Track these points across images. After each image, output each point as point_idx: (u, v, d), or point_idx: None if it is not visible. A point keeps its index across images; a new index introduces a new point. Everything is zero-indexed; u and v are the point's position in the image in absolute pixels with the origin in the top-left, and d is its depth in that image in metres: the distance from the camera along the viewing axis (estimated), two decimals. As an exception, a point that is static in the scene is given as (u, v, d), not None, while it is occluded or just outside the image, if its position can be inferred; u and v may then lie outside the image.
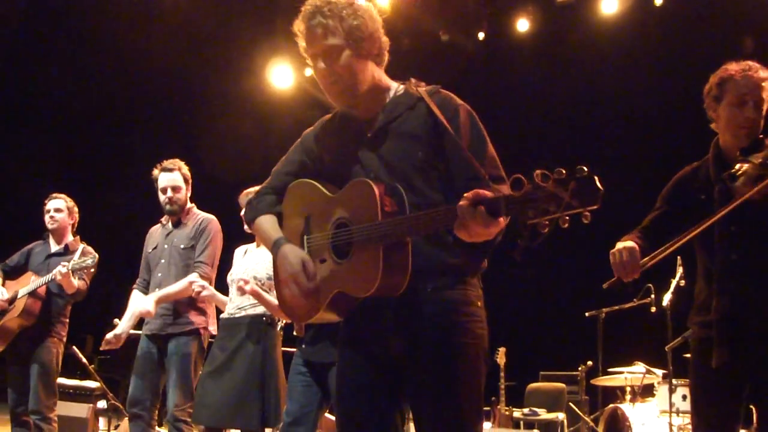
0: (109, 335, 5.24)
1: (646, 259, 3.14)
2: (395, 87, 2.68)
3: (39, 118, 11.02)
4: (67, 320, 5.95)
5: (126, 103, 10.91)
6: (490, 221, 2.15)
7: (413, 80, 2.68)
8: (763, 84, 3.22)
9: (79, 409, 7.19)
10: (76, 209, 6.13)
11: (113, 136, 11.16)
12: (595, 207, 1.97)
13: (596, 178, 1.97)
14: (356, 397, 2.60)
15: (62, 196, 6.10)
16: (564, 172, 1.99)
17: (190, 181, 5.48)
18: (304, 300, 2.54)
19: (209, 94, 10.80)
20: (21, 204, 6.87)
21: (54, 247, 6.05)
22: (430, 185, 2.51)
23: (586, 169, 1.97)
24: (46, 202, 6.07)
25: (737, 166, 3.07)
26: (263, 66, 10.90)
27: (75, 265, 5.48)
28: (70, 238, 6.07)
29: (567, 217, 2.00)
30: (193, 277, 5.08)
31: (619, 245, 3.19)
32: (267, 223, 2.74)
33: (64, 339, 5.92)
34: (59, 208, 6.03)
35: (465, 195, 2.18)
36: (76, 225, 6.15)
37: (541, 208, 2.01)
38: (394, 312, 2.49)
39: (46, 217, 6.03)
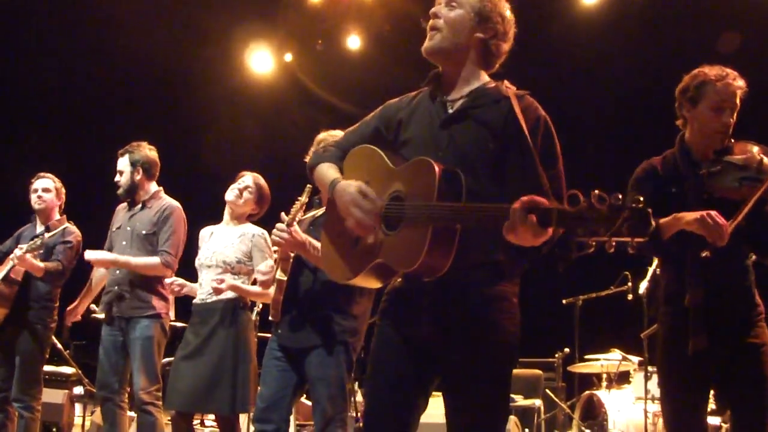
0: (69, 308, 5.26)
1: (729, 221, 3.18)
2: (487, 81, 2.74)
3: (28, 111, 10.93)
4: (55, 305, 5.75)
5: (99, 87, 10.80)
6: (538, 230, 2.19)
7: (506, 81, 2.74)
8: (739, 92, 3.38)
9: (54, 395, 7.14)
10: (63, 190, 5.98)
11: (95, 124, 11.06)
12: (643, 240, 2.03)
13: (650, 211, 2.02)
14: (384, 378, 2.66)
15: (49, 175, 5.92)
16: (620, 198, 2.03)
17: (145, 164, 5.42)
18: (368, 224, 2.54)
19: (191, 81, 10.71)
20: (12, 190, 6.79)
21: (39, 228, 5.88)
22: (492, 179, 2.54)
23: (642, 199, 2.02)
24: (32, 181, 5.90)
25: (717, 167, 3.30)
26: (242, 51, 10.83)
27: (29, 246, 5.36)
28: (56, 218, 5.92)
29: (614, 243, 2.06)
30: (158, 259, 5.13)
31: (695, 214, 3.17)
32: (328, 168, 2.80)
33: (52, 325, 5.74)
34: (47, 188, 5.86)
35: (521, 199, 2.21)
36: (62, 206, 6.00)
37: (591, 229, 2.07)
38: (432, 297, 2.54)
39: (33, 197, 5.84)
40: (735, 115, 3.40)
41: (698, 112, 3.42)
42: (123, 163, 5.42)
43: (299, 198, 3.87)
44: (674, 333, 3.41)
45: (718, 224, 3.11)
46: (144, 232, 5.28)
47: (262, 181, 4.88)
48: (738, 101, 3.39)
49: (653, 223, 2.02)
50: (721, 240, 3.12)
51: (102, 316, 5.36)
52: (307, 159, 3.42)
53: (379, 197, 2.58)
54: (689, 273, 3.34)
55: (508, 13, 2.74)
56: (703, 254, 3.25)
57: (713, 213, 3.12)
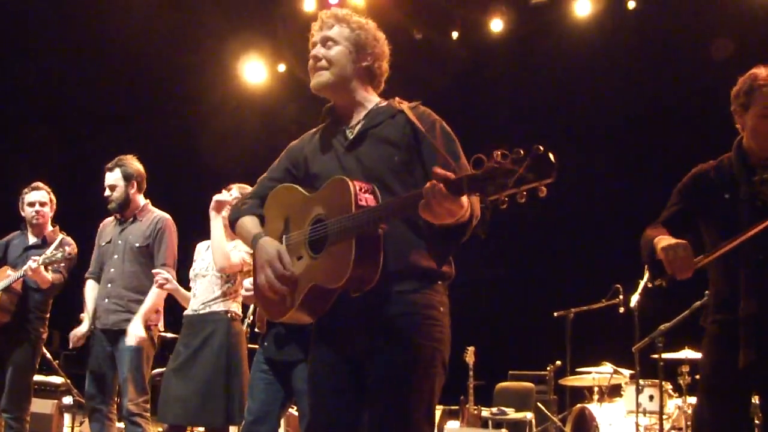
0: (77, 333, 5.22)
1: (700, 257, 3.10)
2: (378, 101, 2.88)
3: (21, 118, 10.91)
4: (47, 315, 5.74)
5: (100, 97, 10.80)
6: (452, 199, 2.25)
7: (397, 98, 2.86)
8: None
9: (43, 405, 7.09)
10: (54, 200, 5.93)
11: (90, 130, 11.05)
12: (549, 180, 2.06)
13: (551, 153, 2.06)
14: (324, 394, 2.72)
15: (43, 186, 5.87)
16: (522, 151, 2.08)
17: (137, 178, 5.41)
18: (278, 288, 2.62)
19: (185, 89, 10.72)
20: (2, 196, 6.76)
21: (32, 239, 5.83)
22: (405, 188, 2.63)
23: (542, 147, 2.06)
24: (26, 191, 5.82)
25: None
26: (236, 61, 10.85)
27: (46, 258, 5.33)
28: (49, 228, 5.88)
29: (524, 192, 2.09)
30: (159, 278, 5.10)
31: (670, 241, 3.12)
32: (248, 222, 2.88)
33: (44, 335, 5.73)
34: (44, 202, 5.81)
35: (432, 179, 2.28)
36: (53, 216, 5.96)
37: (500, 183, 2.10)
38: (358, 310, 2.58)
39: (30, 211, 5.78)
40: None
41: (749, 117, 3.26)
42: (114, 178, 5.37)
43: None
44: (723, 343, 3.25)
45: (680, 259, 3.03)
46: (137, 245, 5.29)
47: (247, 188, 4.88)
48: None
49: (555, 161, 2.04)
50: (681, 275, 3.04)
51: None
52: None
53: (300, 230, 2.69)
54: (744, 282, 3.17)
55: (379, 34, 2.91)
56: (655, 283, 3.18)
57: (680, 245, 3.05)
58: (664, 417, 6.23)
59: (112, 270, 5.29)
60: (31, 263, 5.32)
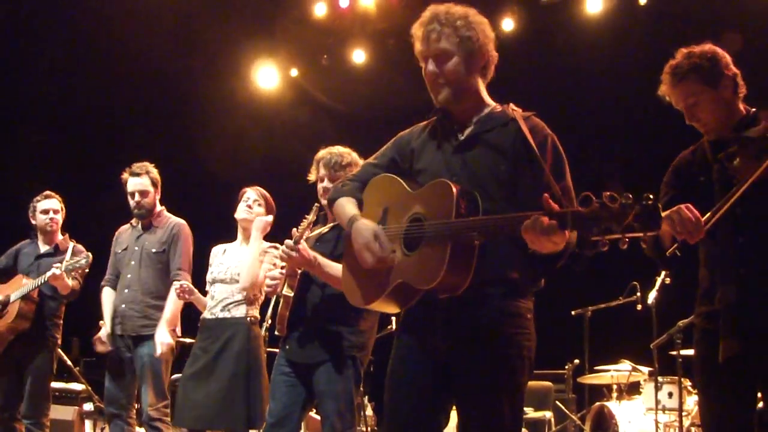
0: (102, 336, 5.24)
1: (708, 215, 2.89)
2: (493, 105, 2.87)
3: (28, 118, 10.96)
4: (61, 322, 5.83)
5: (110, 103, 10.85)
6: (555, 232, 2.28)
7: (512, 104, 2.85)
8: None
9: (64, 412, 7.16)
10: (64, 208, 6.01)
11: (100, 137, 11.10)
12: (654, 233, 2.12)
13: (660, 206, 2.12)
14: (403, 391, 2.75)
15: (54, 195, 5.95)
16: (631, 197, 2.12)
17: (159, 185, 5.49)
18: (375, 267, 2.67)
19: (196, 95, 10.76)
20: (7, 204, 6.81)
21: (43, 248, 5.90)
22: (507, 198, 2.65)
23: (651, 197, 2.11)
24: (38, 199, 5.89)
25: (734, 146, 2.97)
26: (248, 67, 10.88)
27: (69, 265, 5.39)
28: (59, 237, 5.95)
29: (627, 239, 2.14)
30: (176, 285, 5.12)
31: (672, 209, 2.89)
32: (346, 203, 2.93)
33: (59, 341, 5.81)
34: (57, 209, 5.89)
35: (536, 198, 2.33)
36: (62, 223, 6.03)
37: (605, 227, 2.15)
38: (446, 312, 2.64)
39: (44, 218, 5.83)
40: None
41: None
42: (144, 183, 5.43)
43: (307, 216, 3.89)
44: (706, 336, 3.10)
45: (683, 219, 2.81)
46: (154, 250, 5.36)
47: (264, 191, 4.92)
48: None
49: (662, 215, 2.08)
50: (692, 237, 2.83)
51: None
52: (310, 177, 3.86)
53: (397, 225, 2.72)
54: (720, 267, 3.04)
55: (482, 22, 2.84)
56: (669, 252, 2.99)
57: (683, 207, 2.83)
58: (684, 414, 6.20)
59: (129, 276, 5.34)
60: (54, 270, 5.37)
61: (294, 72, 11.00)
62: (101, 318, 5.49)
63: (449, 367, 2.66)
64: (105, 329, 5.34)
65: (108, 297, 5.47)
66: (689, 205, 2.88)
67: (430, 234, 2.57)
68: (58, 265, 5.41)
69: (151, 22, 9.68)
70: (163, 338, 5.04)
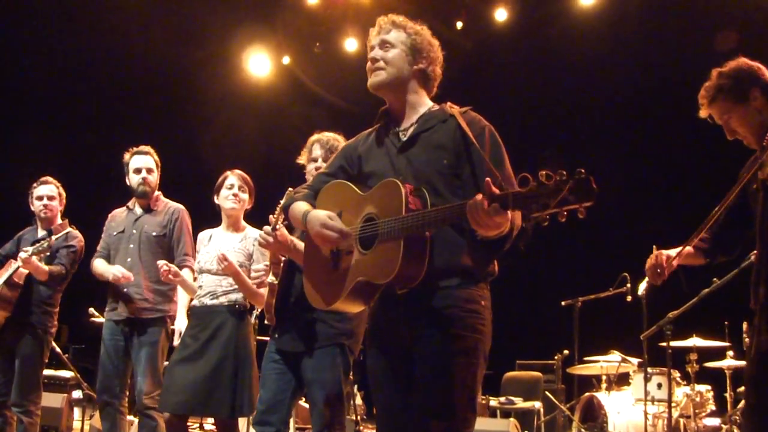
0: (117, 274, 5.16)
1: (674, 256, 3.24)
2: (431, 105, 3.05)
3: (26, 110, 10.92)
4: (55, 309, 5.71)
5: (98, 88, 10.81)
6: (499, 214, 2.39)
7: (449, 103, 3.03)
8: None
9: (53, 399, 7.12)
10: (64, 194, 5.97)
11: (94, 123, 11.07)
12: (589, 203, 2.21)
13: (592, 178, 2.21)
14: (381, 384, 2.93)
15: (52, 180, 5.91)
16: (565, 173, 2.22)
17: (159, 169, 5.50)
18: (337, 244, 2.84)
19: (188, 81, 10.72)
20: (9, 191, 6.79)
21: (41, 233, 5.85)
22: (452, 190, 2.81)
23: (584, 171, 2.21)
24: (35, 186, 5.87)
25: (764, 155, 3.08)
26: (240, 54, 10.85)
27: (34, 249, 5.33)
28: (58, 222, 5.90)
29: (565, 212, 2.24)
30: (186, 273, 5.13)
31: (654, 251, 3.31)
32: (300, 204, 3.08)
33: (52, 329, 5.69)
34: (52, 196, 5.85)
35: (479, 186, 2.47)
36: (63, 210, 5.98)
37: (543, 203, 2.25)
38: (405, 305, 2.78)
39: (38, 205, 5.81)
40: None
41: None
42: (150, 162, 5.44)
43: (280, 201, 3.88)
44: (751, 330, 3.23)
45: (648, 269, 3.27)
46: (154, 234, 5.34)
47: (244, 174, 4.87)
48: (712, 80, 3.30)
49: (596, 187, 2.19)
50: (655, 281, 3.26)
51: (102, 319, 5.33)
52: (301, 160, 3.99)
53: (352, 227, 2.85)
54: (761, 267, 3.16)
55: (434, 40, 3.08)
56: (641, 293, 3.32)
57: (653, 255, 3.26)
58: (673, 405, 6.23)
59: (129, 259, 5.29)
60: (21, 253, 5.33)
61: (286, 59, 10.97)
62: (90, 305, 5.45)
63: (413, 354, 2.80)
64: (177, 325, 5.23)
65: (103, 263, 5.40)
66: (661, 251, 3.27)
67: (383, 231, 2.71)
68: (27, 249, 5.37)
69: (144, 10, 9.64)
70: (183, 326, 5.01)
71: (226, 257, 4.43)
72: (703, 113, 3.36)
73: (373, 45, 3.04)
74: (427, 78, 3.04)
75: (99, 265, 5.38)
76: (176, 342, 4.98)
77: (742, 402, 3.41)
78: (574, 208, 2.22)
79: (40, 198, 5.82)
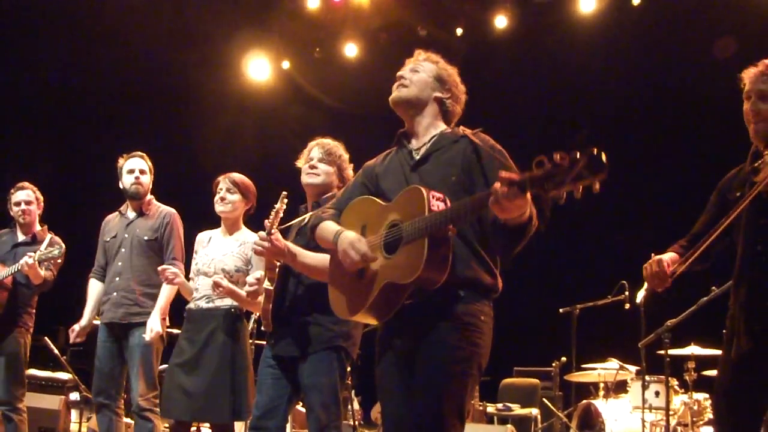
0: (75, 327, 5.28)
1: (675, 266, 3.21)
2: (444, 128, 3.22)
3: (21, 114, 10.92)
4: (34, 311, 5.91)
5: (96, 92, 10.82)
6: (519, 196, 2.48)
7: (461, 127, 3.21)
8: (752, 75, 3.20)
9: (50, 401, 7.12)
10: (41, 198, 6.06)
11: (90, 128, 11.07)
12: (602, 176, 2.30)
13: (603, 153, 2.30)
14: (386, 395, 3.05)
15: (29, 185, 6.01)
16: (577, 153, 2.32)
17: (152, 174, 5.53)
18: (359, 264, 2.94)
19: (187, 86, 10.73)
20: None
21: (21, 237, 5.97)
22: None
23: (596, 148, 2.31)
24: (12, 192, 5.97)
25: (759, 161, 3.07)
26: (240, 58, 10.86)
27: (41, 255, 5.44)
28: (38, 227, 6.00)
29: (581, 188, 2.33)
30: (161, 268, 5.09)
31: (653, 257, 3.29)
32: (329, 224, 3.20)
33: (31, 329, 5.88)
34: (30, 201, 5.95)
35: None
36: (41, 214, 6.08)
37: (559, 180, 2.34)
38: (409, 313, 2.88)
39: (16, 210, 5.94)
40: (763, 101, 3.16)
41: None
42: (144, 165, 5.48)
43: (275, 206, 3.88)
44: (726, 336, 3.20)
45: (652, 273, 3.21)
46: (146, 238, 5.35)
47: (236, 176, 4.84)
48: (757, 85, 3.17)
49: (606, 161, 2.27)
50: (658, 287, 3.22)
51: (98, 322, 5.36)
52: (299, 163, 4.12)
53: (376, 236, 2.98)
54: (739, 271, 3.18)
55: (461, 83, 3.28)
56: (640, 300, 3.30)
57: (654, 261, 3.23)
58: (670, 413, 6.23)
59: (120, 263, 5.32)
60: (27, 259, 5.42)
61: (286, 64, 10.98)
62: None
63: (414, 363, 2.92)
64: (84, 319, 5.36)
65: (93, 289, 5.45)
66: (662, 258, 3.26)
67: (407, 233, 2.82)
68: (32, 254, 5.45)
69: (144, 13, 9.64)
70: (155, 325, 5.03)
71: (220, 284, 4.46)
72: (745, 75, 3.24)
73: (404, 66, 3.25)
74: (446, 110, 3.22)
75: (89, 292, 5.49)
76: (147, 338, 5.01)
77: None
78: (589, 183, 2.30)
79: (17, 203, 5.96)
